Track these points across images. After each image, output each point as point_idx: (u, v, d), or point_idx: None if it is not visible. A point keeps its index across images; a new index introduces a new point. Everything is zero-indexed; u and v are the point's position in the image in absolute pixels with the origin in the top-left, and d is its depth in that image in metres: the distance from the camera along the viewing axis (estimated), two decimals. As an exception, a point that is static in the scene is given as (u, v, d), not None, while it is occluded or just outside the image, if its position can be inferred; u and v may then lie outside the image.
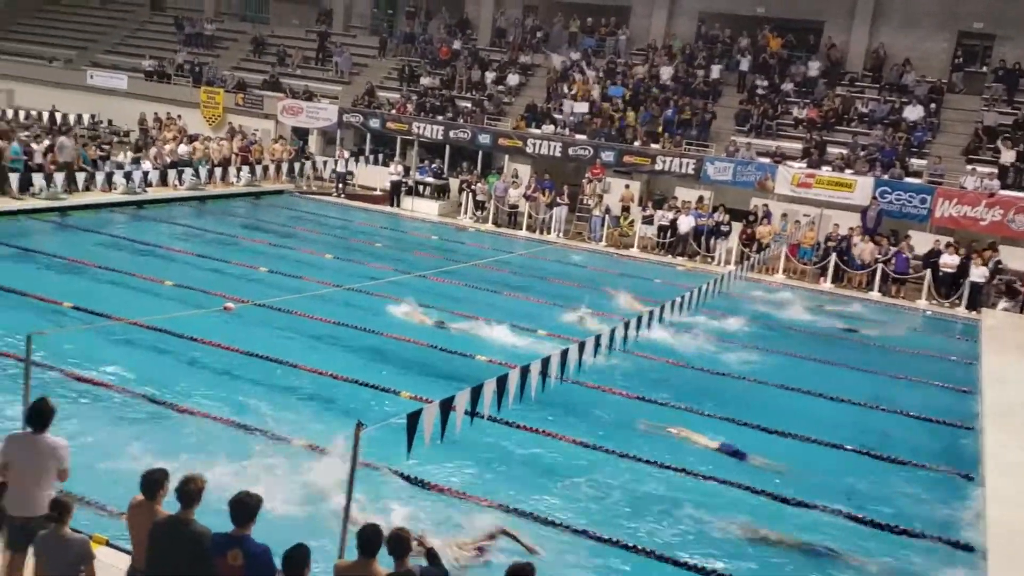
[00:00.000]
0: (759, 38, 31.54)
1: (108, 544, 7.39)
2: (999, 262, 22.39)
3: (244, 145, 30.21)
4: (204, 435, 10.13)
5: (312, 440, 10.09)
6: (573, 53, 32.99)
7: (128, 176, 24.73)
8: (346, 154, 30.71)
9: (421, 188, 29.16)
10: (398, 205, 28.74)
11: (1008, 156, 24.95)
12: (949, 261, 22.65)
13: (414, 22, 37.04)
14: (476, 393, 7.75)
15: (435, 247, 24.04)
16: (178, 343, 13.01)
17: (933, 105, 28.02)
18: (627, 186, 27.52)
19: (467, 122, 30.49)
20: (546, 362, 9.27)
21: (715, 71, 31.08)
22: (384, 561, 5.73)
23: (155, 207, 24.45)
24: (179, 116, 32.67)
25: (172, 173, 26.32)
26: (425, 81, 33.66)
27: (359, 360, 13.40)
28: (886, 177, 25.06)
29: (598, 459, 10.73)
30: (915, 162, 26.13)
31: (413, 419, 6.92)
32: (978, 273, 22.07)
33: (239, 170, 28.55)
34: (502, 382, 8.17)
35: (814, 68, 30.14)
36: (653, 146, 28.04)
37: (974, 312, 21.53)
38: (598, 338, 10.97)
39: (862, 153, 26.36)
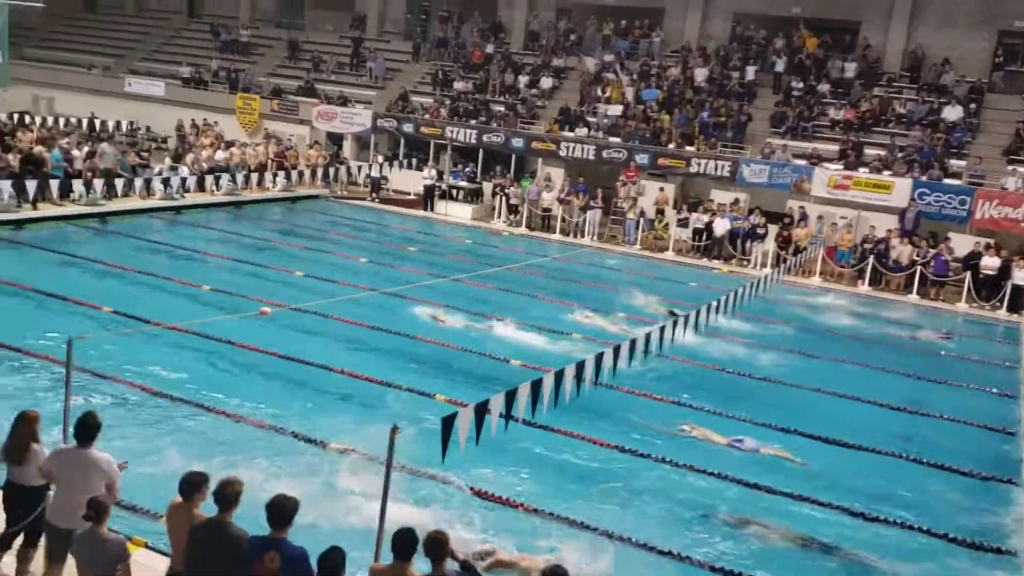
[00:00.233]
0: (794, 39, 31.25)
1: (147, 547, 7.45)
2: (1042, 264, 21.99)
3: (279, 150, 30.51)
4: (241, 438, 10.22)
5: (347, 443, 10.12)
6: (607, 56, 32.91)
7: (166, 182, 25.06)
8: (380, 159, 30.87)
9: (454, 192, 29.22)
10: (431, 209, 28.83)
11: (1051, 156, 24.52)
12: (990, 263, 22.27)
13: (447, 26, 37.18)
14: (511, 397, 7.72)
15: (468, 251, 24.06)
16: (216, 347, 13.11)
17: (973, 105, 27.58)
18: (662, 189, 27.37)
19: (500, 126, 30.52)
20: (581, 366, 9.23)
21: (750, 72, 30.86)
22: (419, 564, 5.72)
23: (192, 212, 24.74)
24: (215, 122, 33.05)
25: (209, 179, 26.63)
26: (458, 85, 33.76)
27: (394, 363, 13.42)
28: (924, 179, 24.70)
29: (634, 464, 10.66)
30: (954, 163, 25.72)
31: (448, 423, 6.92)
32: (1021, 276, 21.68)
33: (275, 175, 28.81)
34: (536, 386, 8.14)
35: (850, 69, 29.79)
36: (688, 148, 27.88)
37: (1016, 315, 21.16)
38: (634, 342, 10.91)
39: (900, 154, 26.00)
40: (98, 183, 23.01)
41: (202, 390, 11.48)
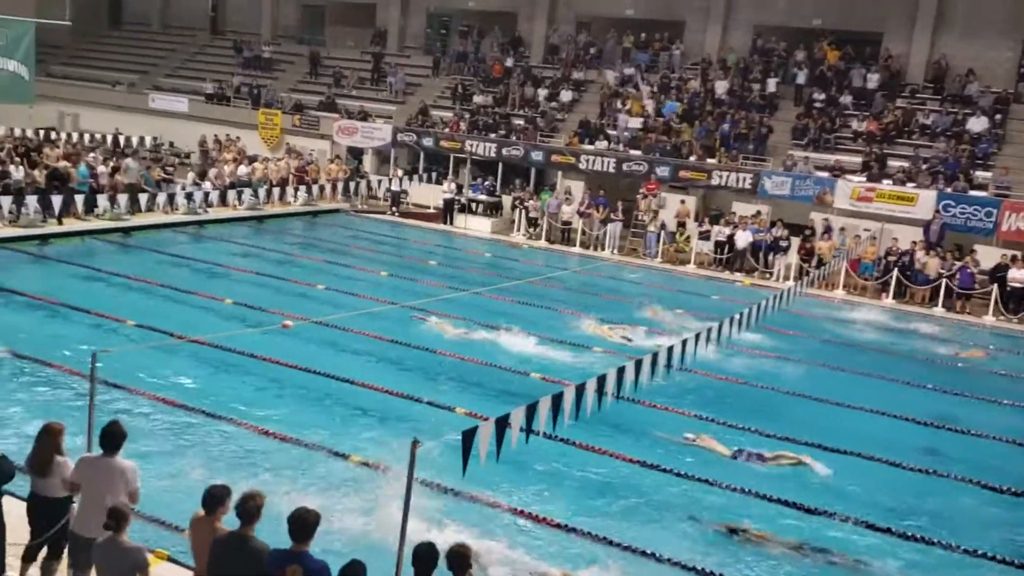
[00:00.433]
0: (816, 50, 31.12)
1: (170, 559, 7.46)
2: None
3: (301, 165, 30.69)
4: (263, 451, 10.23)
5: (368, 456, 10.12)
6: (627, 68, 32.91)
7: (189, 196, 25.27)
8: (400, 173, 30.97)
9: (474, 206, 29.25)
10: (451, 223, 28.87)
11: (1078, 167, 24.22)
12: (1018, 275, 21.99)
13: (467, 41, 37.32)
14: (531, 410, 7.68)
15: (488, 264, 24.06)
16: (238, 360, 13.16)
17: (998, 116, 27.32)
18: (683, 201, 27.27)
19: (520, 139, 30.56)
20: (602, 380, 9.18)
21: (771, 84, 30.73)
22: None
23: (215, 227, 24.91)
24: (238, 137, 33.32)
25: (231, 193, 26.81)
26: (478, 99, 33.85)
27: (414, 376, 13.43)
28: (949, 190, 24.47)
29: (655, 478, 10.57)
30: (980, 174, 25.46)
31: (468, 437, 6.87)
32: (1048, 288, 21.42)
33: (296, 190, 28.99)
34: (557, 400, 8.10)
35: (873, 80, 29.61)
36: (709, 161, 27.79)
37: (1044, 328, 20.91)
38: (655, 356, 10.84)
39: (924, 166, 25.79)
40: (122, 198, 23.23)
41: (224, 403, 11.52)
